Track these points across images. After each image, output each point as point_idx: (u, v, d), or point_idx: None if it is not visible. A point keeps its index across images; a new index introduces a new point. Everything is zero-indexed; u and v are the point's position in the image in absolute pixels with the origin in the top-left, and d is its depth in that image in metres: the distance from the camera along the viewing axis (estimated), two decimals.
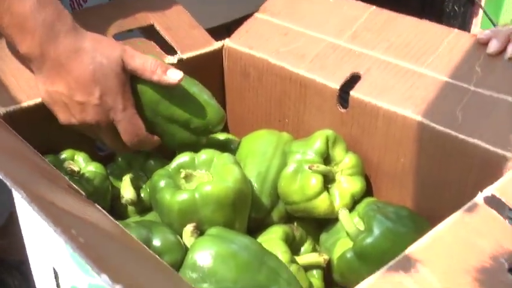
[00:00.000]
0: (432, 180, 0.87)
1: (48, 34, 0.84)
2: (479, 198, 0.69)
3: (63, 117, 0.89)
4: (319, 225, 0.94)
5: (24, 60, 0.88)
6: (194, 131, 0.93)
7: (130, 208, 0.95)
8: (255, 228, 0.91)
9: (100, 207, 0.73)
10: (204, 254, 0.75)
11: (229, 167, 0.85)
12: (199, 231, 0.82)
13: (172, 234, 0.80)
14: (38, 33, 0.84)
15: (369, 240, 0.78)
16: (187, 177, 0.85)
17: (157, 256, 0.65)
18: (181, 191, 0.83)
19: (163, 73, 0.89)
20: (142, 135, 0.91)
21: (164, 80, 0.89)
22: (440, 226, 0.64)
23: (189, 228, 0.82)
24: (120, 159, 0.98)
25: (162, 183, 0.85)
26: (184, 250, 0.79)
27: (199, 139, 0.95)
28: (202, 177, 0.86)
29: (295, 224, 0.92)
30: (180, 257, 0.78)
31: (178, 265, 0.77)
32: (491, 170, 0.80)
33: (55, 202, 0.55)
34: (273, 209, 0.92)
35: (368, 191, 0.94)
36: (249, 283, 0.73)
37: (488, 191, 0.70)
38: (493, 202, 0.70)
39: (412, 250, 0.58)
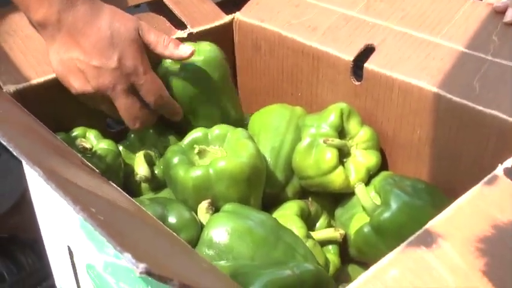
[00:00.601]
0: (448, 152, 0.86)
1: (66, 1, 0.83)
2: (499, 170, 0.68)
3: (77, 84, 0.87)
4: (334, 200, 0.93)
5: (38, 28, 0.87)
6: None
7: (143, 185, 0.94)
8: (269, 203, 0.90)
9: (114, 185, 0.72)
10: (220, 230, 0.74)
11: (243, 142, 0.84)
12: (214, 208, 0.82)
13: (187, 211, 0.79)
14: (56, 0, 0.83)
15: (386, 214, 0.77)
16: (201, 153, 0.84)
17: (174, 233, 0.65)
18: (195, 167, 0.82)
19: (175, 48, 0.88)
20: (166, 96, 0.90)
21: (176, 54, 0.88)
22: (460, 200, 0.63)
23: (204, 205, 0.81)
24: (132, 135, 0.97)
25: (175, 160, 0.84)
26: (200, 227, 0.78)
27: None
28: (216, 152, 0.85)
29: (310, 199, 0.92)
30: (195, 233, 0.77)
31: (194, 242, 0.76)
32: (509, 141, 0.79)
33: (71, 179, 0.55)
34: (287, 184, 0.91)
35: (383, 165, 0.92)
36: (266, 259, 0.72)
37: (508, 163, 0.68)
38: None
39: (433, 224, 0.57)
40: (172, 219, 0.77)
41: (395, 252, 0.53)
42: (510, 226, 0.59)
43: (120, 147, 0.96)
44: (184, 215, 0.78)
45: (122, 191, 0.69)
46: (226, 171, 0.80)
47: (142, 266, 0.37)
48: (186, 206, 0.82)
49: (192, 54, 0.89)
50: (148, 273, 0.38)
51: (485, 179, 0.66)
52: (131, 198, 0.67)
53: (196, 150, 0.84)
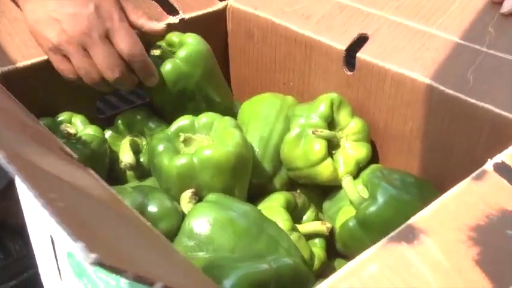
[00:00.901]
0: (440, 144, 0.83)
1: None
2: (489, 165, 0.66)
3: (53, 35, 0.84)
4: (323, 192, 0.91)
5: None
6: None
7: (129, 173, 0.92)
8: (256, 194, 0.88)
9: (92, 171, 0.70)
10: (202, 221, 0.72)
11: (230, 130, 0.82)
12: (198, 197, 0.80)
13: (169, 200, 0.77)
14: None
15: (372, 208, 0.75)
16: (187, 141, 0.82)
17: (149, 224, 0.63)
18: (179, 156, 0.80)
19: (149, 21, 0.93)
20: (140, 49, 0.87)
21: (148, 26, 0.93)
22: (446, 194, 0.61)
23: (187, 194, 0.79)
24: (119, 121, 0.95)
25: (160, 147, 0.82)
26: (182, 217, 0.77)
27: None
28: (202, 141, 0.83)
29: (298, 191, 0.90)
30: (176, 223, 0.75)
31: (174, 232, 0.74)
32: (502, 135, 0.76)
33: (40, 164, 0.53)
34: (275, 175, 0.89)
35: (374, 157, 0.91)
36: (247, 252, 0.71)
37: (498, 158, 0.67)
38: (504, 170, 0.67)
39: (416, 219, 0.55)
40: (152, 208, 0.75)
41: (376, 248, 0.51)
42: (496, 223, 0.57)
43: (108, 134, 0.95)
44: (165, 204, 0.76)
45: (100, 179, 0.67)
46: (211, 160, 0.79)
47: (92, 256, 0.36)
48: (170, 195, 0.80)
49: (164, 29, 0.93)
50: (99, 263, 0.36)
51: (474, 174, 0.65)
52: (108, 187, 0.65)
53: (181, 138, 0.82)
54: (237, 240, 0.71)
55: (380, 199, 0.75)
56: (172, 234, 0.74)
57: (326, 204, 0.89)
